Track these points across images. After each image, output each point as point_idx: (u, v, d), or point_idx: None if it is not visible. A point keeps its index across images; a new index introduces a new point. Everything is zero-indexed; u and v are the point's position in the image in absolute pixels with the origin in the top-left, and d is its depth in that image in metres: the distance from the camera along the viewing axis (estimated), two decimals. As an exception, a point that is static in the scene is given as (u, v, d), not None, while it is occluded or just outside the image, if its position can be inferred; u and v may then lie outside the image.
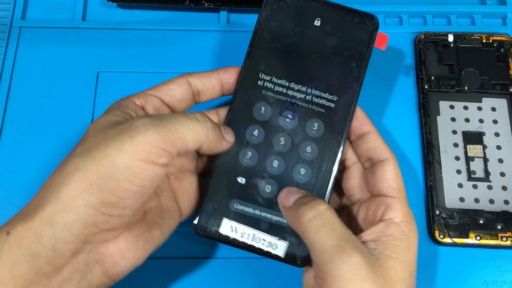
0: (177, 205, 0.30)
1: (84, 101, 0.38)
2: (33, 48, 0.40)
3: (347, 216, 0.31)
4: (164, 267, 0.34)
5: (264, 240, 0.29)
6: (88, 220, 0.23)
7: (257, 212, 0.29)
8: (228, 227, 0.29)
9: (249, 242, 0.29)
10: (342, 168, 0.32)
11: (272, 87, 0.30)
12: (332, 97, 0.30)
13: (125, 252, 0.26)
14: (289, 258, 0.29)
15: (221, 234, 0.29)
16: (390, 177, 0.28)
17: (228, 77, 0.31)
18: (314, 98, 0.30)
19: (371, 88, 0.40)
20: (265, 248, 0.29)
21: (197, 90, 0.31)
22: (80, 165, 0.24)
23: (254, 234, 0.29)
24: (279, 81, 0.30)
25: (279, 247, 0.29)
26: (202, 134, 0.26)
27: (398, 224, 0.27)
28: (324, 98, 0.30)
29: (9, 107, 0.38)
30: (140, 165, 0.24)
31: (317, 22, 0.31)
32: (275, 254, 0.29)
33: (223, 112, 0.31)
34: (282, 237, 0.29)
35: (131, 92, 0.38)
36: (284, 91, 0.30)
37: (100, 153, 0.24)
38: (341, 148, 0.30)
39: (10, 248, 0.22)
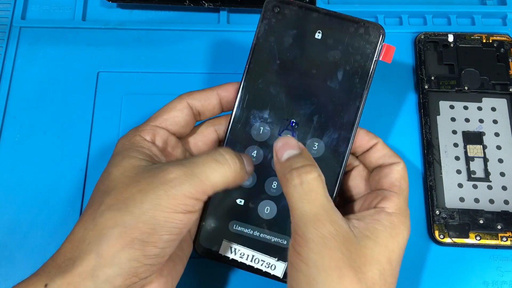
0: (189, 231, 0.30)
1: (84, 101, 0.38)
2: (33, 48, 0.40)
3: (347, 212, 0.30)
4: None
5: (263, 261, 0.29)
6: (131, 272, 0.23)
7: (256, 233, 0.29)
8: (228, 248, 0.29)
9: (248, 263, 0.29)
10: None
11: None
12: (334, 116, 0.29)
13: None
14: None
15: (221, 255, 0.29)
16: (395, 176, 0.29)
17: (227, 96, 0.30)
18: (314, 117, 0.29)
19: (371, 88, 0.40)
20: (264, 269, 0.29)
21: (197, 111, 0.30)
22: (118, 220, 0.23)
23: (253, 255, 0.29)
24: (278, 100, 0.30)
25: (278, 268, 0.29)
26: (231, 177, 0.26)
27: (389, 214, 0.27)
28: (325, 116, 0.29)
29: (9, 107, 0.38)
30: (178, 217, 0.24)
31: (318, 35, 0.29)
32: (274, 275, 0.29)
33: (221, 128, 0.31)
34: (281, 257, 0.29)
35: (131, 92, 0.39)
36: (283, 110, 0.29)
37: (137, 208, 0.24)
38: (342, 168, 0.29)
39: None
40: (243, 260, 0.29)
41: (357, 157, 0.32)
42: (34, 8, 0.42)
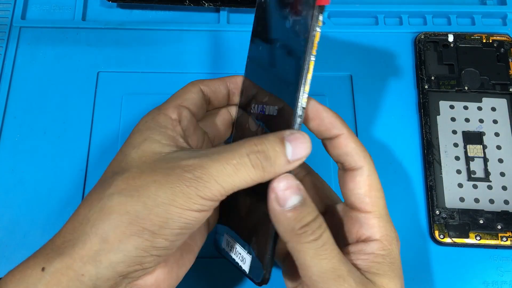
0: (208, 222, 0.29)
1: (84, 101, 0.38)
2: (33, 48, 0.40)
3: (331, 216, 0.29)
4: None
5: (240, 253, 0.28)
6: (136, 260, 0.23)
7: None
8: (225, 242, 0.29)
9: (232, 255, 0.28)
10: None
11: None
12: (282, 77, 0.26)
13: (161, 283, 0.25)
14: (252, 275, 0.27)
15: (223, 250, 0.29)
16: (362, 191, 0.26)
17: (234, 87, 0.30)
18: (272, 83, 0.27)
19: (371, 88, 0.40)
20: (239, 262, 0.28)
21: (207, 98, 0.29)
22: (129, 208, 0.22)
23: (236, 247, 0.28)
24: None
25: (247, 261, 0.27)
26: (256, 178, 0.24)
27: (378, 241, 0.26)
28: (278, 79, 0.27)
29: (9, 107, 0.38)
30: (193, 214, 0.23)
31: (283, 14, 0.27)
32: (243, 269, 0.27)
33: (233, 109, 0.30)
34: (248, 250, 0.27)
35: (131, 92, 0.39)
36: (257, 95, 0.28)
37: (151, 199, 0.23)
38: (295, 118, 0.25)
39: (47, 285, 0.22)
40: (231, 253, 0.28)
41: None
42: (34, 8, 0.42)
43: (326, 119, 0.26)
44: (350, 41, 0.41)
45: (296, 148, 0.24)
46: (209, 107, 0.30)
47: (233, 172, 0.23)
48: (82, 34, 0.41)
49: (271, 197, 0.24)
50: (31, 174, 0.36)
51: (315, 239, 0.23)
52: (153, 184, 0.23)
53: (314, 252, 0.23)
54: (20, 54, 0.40)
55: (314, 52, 0.25)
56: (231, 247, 0.28)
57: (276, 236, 0.25)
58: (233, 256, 0.28)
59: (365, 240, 0.26)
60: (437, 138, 0.38)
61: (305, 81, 0.25)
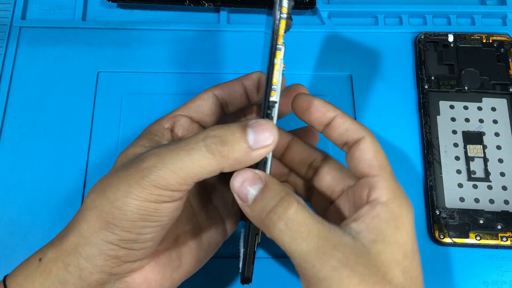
0: (221, 221, 0.29)
1: (84, 101, 0.38)
2: (33, 48, 0.40)
3: (335, 210, 0.28)
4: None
5: (241, 250, 0.28)
6: (110, 254, 0.23)
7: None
8: (242, 237, 0.29)
9: (240, 252, 0.28)
10: (312, 172, 0.30)
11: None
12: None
13: (152, 282, 0.25)
14: (240, 273, 0.27)
15: (240, 246, 0.29)
16: (368, 156, 0.25)
17: (250, 85, 0.29)
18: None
19: (371, 88, 0.40)
20: (240, 259, 0.27)
21: (224, 102, 0.29)
22: (97, 203, 0.24)
23: (241, 244, 0.28)
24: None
25: (241, 258, 0.27)
26: (215, 165, 0.23)
27: (384, 203, 0.24)
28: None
29: (9, 107, 0.38)
30: (152, 206, 0.23)
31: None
32: (239, 266, 0.27)
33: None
34: (243, 245, 0.27)
35: (131, 92, 0.39)
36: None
37: (112, 193, 0.23)
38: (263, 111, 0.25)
39: (42, 274, 0.24)
40: (240, 250, 0.28)
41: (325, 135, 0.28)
42: (34, 8, 0.42)
43: (319, 106, 0.26)
44: (350, 41, 0.41)
45: (259, 134, 0.23)
46: (230, 109, 0.30)
47: (187, 157, 0.23)
48: (82, 34, 0.41)
49: (234, 195, 0.24)
50: (31, 174, 0.36)
51: (285, 224, 0.22)
52: (116, 179, 0.24)
53: (290, 238, 0.22)
54: (20, 54, 0.40)
55: (280, 41, 0.24)
56: (241, 244, 0.28)
57: (253, 232, 0.25)
58: (240, 253, 0.28)
59: (372, 203, 0.25)
60: (437, 138, 0.38)
61: (271, 74, 0.24)
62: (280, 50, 0.24)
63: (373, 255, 0.23)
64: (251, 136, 0.23)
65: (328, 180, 0.29)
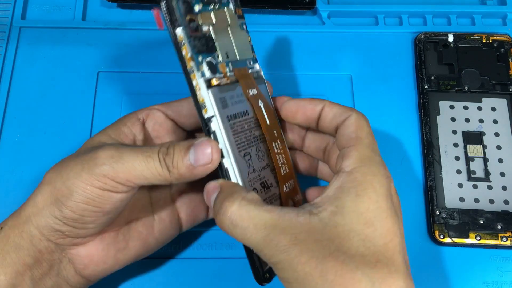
0: (177, 215, 0.30)
1: (84, 101, 0.38)
2: (33, 48, 0.40)
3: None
4: (167, 267, 0.34)
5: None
6: (55, 227, 0.26)
7: None
8: None
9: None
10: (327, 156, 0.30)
11: None
12: None
13: (94, 257, 0.28)
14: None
15: None
16: (349, 129, 0.26)
17: None
18: None
19: (371, 88, 0.40)
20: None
21: None
22: (52, 180, 0.26)
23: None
24: None
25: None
26: (164, 175, 0.25)
27: (348, 172, 0.24)
28: None
29: (9, 107, 0.38)
30: (95, 191, 0.25)
31: None
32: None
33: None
34: None
35: (131, 92, 0.39)
36: None
37: (66, 173, 0.26)
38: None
39: (2, 240, 0.26)
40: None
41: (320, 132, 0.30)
42: (34, 8, 0.42)
43: (306, 104, 0.28)
44: (350, 41, 0.41)
45: (198, 154, 0.25)
46: None
47: (143, 161, 0.25)
48: (82, 34, 0.41)
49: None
50: (31, 174, 0.36)
51: (231, 223, 0.24)
52: (73, 161, 0.26)
53: (239, 234, 0.23)
54: (20, 54, 0.40)
55: (189, 65, 0.27)
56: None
57: None
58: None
59: (337, 173, 0.24)
60: (437, 138, 0.38)
61: (194, 95, 0.27)
62: (192, 72, 0.27)
63: (329, 228, 0.23)
64: (191, 156, 0.25)
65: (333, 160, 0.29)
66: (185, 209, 0.31)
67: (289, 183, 0.30)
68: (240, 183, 0.26)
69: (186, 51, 0.26)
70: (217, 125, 0.26)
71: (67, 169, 0.26)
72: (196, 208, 0.31)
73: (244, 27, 0.31)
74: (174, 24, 0.26)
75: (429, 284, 0.34)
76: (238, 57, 0.29)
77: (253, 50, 0.31)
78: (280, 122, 0.31)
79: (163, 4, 0.26)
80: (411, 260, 0.34)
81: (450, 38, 0.40)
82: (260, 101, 0.30)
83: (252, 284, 0.34)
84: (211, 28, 0.28)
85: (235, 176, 0.26)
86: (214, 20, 0.28)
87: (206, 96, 0.26)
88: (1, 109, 0.38)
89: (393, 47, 0.41)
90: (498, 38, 0.40)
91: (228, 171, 0.26)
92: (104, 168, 0.25)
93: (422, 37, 0.41)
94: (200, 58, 0.27)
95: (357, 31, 0.42)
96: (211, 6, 0.28)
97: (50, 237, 0.26)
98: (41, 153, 0.37)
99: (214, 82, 0.27)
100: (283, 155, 0.30)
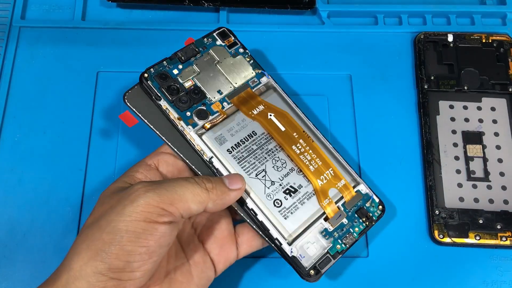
0: (209, 258, 0.30)
1: (84, 101, 0.38)
2: (33, 48, 0.40)
3: None
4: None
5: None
6: (99, 286, 0.24)
7: None
8: None
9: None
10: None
11: None
12: None
13: None
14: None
15: None
16: None
17: None
18: None
19: (371, 88, 0.40)
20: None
21: None
22: (89, 235, 0.25)
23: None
24: None
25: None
26: (203, 196, 0.27)
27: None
28: None
29: (9, 107, 0.38)
30: (141, 225, 0.24)
31: None
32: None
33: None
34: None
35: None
36: None
37: (104, 220, 0.25)
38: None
39: None
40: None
41: None
42: (34, 8, 0.42)
43: None
44: (350, 41, 0.42)
45: (231, 179, 0.29)
46: None
47: (185, 185, 0.26)
48: (82, 34, 0.41)
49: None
50: (31, 174, 0.36)
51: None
52: (109, 209, 0.25)
53: None
54: (19, 54, 0.40)
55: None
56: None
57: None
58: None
59: None
60: (437, 138, 0.38)
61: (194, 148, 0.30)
62: (183, 129, 0.30)
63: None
64: (226, 181, 0.28)
65: None
66: (215, 248, 0.30)
67: (326, 174, 0.31)
68: (257, 203, 0.30)
69: (173, 115, 0.30)
70: (218, 163, 0.30)
71: (104, 216, 0.25)
72: (225, 246, 0.31)
73: (240, 50, 0.34)
74: (155, 100, 0.31)
75: (429, 284, 0.34)
76: (235, 86, 0.32)
77: (256, 66, 0.33)
78: (306, 115, 0.33)
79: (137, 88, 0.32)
80: (411, 260, 0.35)
81: (450, 38, 0.40)
82: (269, 114, 0.32)
83: (254, 284, 0.34)
84: (195, 79, 0.32)
85: (250, 199, 0.30)
86: (197, 70, 0.32)
87: (200, 143, 0.30)
88: (1, 109, 0.38)
89: (393, 47, 0.41)
90: (498, 38, 0.40)
91: (243, 197, 0.30)
92: (148, 195, 0.25)
93: (422, 37, 0.41)
94: (188, 114, 0.31)
95: (356, 31, 0.42)
96: (193, 59, 0.32)
97: None
98: (41, 153, 0.37)
99: (207, 126, 0.31)
100: (309, 152, 0.31)
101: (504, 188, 0.36)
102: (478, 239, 0.35)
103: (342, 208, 0.31)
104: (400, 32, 0.42)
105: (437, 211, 0.35)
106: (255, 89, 0.33)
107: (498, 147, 0.37)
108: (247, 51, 0.34)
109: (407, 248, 0.35)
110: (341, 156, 0.32)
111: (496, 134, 0.38)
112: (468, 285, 0.34)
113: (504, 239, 0.35)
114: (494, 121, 0.38)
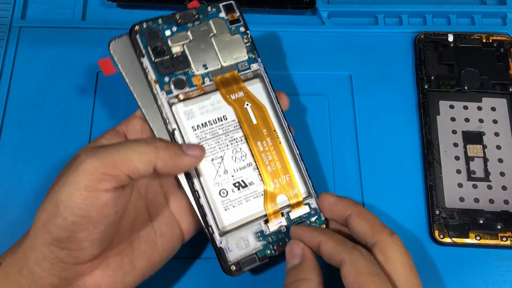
0: (178, 227, 0.30)
1: (84, 101, 0.38)
2: (33, 48, 0.40)
3: None
4: (166, 267, 0.34)
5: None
6: (51, 256, 0.24)
7: None
8: None
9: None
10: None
11: None
12: None
13: (102, 285, 0.26)
14: None
15: None
16: (348, 280, 0.26)
17: None
18: None
19: (371, 88, 0.40)
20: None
21: None
22: (42, 205, 0.25)
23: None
24: None
25: None
26: (151, 154, 0.25)
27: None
28: None
29: (9, 107, 0.38)
30: (81, 195, 0.23)
31: None
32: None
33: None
34: None
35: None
36: None
37: (52, 190, 0.24)
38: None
39: (1, 278, 0.25)
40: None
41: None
42: (34, 8, 0.42)
43: (338, 206, 0.29)
44: (350, 41, 0.41)
45: (189, 146, 0.28)
46: None
47: (132, 145, 0.25)
48: (82, 34, 0.41)
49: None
50: (31, 174, 0.36)
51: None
52: (59, 178, 0.25)
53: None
54: (20, 54, 0.40)
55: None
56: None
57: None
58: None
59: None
60: (437, 138, 0.38)
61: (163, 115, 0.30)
62: (156, 93, 0.30)
63: None
64: (184, 146, 0.27)
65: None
66: (186, 219, 0.30)
67: (281, 179, 0.30)
68: (204, 186, 0.29)
69: (151, 76, 0.30)
70: (179, 137, 0.29)
71: (53, 186, 0.25)
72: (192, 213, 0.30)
73: (241, 29, 0.32)
74: (138, 56, 0.30)
75: (429, 284, 0.34)
76: (223, 64, 0.31)
77: (251, 51, 0.32)
78: (284, 115, 0.32)
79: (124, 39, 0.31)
80: (411, 260, 0.35)
81: (450, 38, 0.40)
82: (246, 103, 0.31)
83: (253, 284, 0.34)
84: (185, 46, 0.30)
85: (198, 180, 0.29)
86: (190, 37, 0.31)
87: (168, 112, 0.29)
88: (1, 109, 0.38)
89: (393, 47, 0.41)
90: (498, 38, 0.40)
91: (191, 175, 0.29)
92: (88, 161, 0.24)
93: (422, 37, 0.41)
94: (166, 79, 0.30)
95: (357, 31, 0.42)
96: (190, 24, 0.31)
97: (51, 271, 0.24)
98: (41, 153, 0.37)
99: (181, 97, 0.30)
100: (272, 153, 0.31)
101: (504, 188, 0.36)
102: (479, 239, 0.34)
103: (285, 216, 0.30)
104: (400, 32, 0.42)
105: (437, 211, 0.35)
106: (242, 73, 0.31)
107: (498, 147, 0.37)
108: (248, 31, 0.32)
109: (407, 248, 0.35)
110: (304, 167, 0.31)
111: (497, 134, 0.38)
112: (469, 285, 0.34)
113: (504, 239, 0.35)
114: (495, 121, 0.38)
